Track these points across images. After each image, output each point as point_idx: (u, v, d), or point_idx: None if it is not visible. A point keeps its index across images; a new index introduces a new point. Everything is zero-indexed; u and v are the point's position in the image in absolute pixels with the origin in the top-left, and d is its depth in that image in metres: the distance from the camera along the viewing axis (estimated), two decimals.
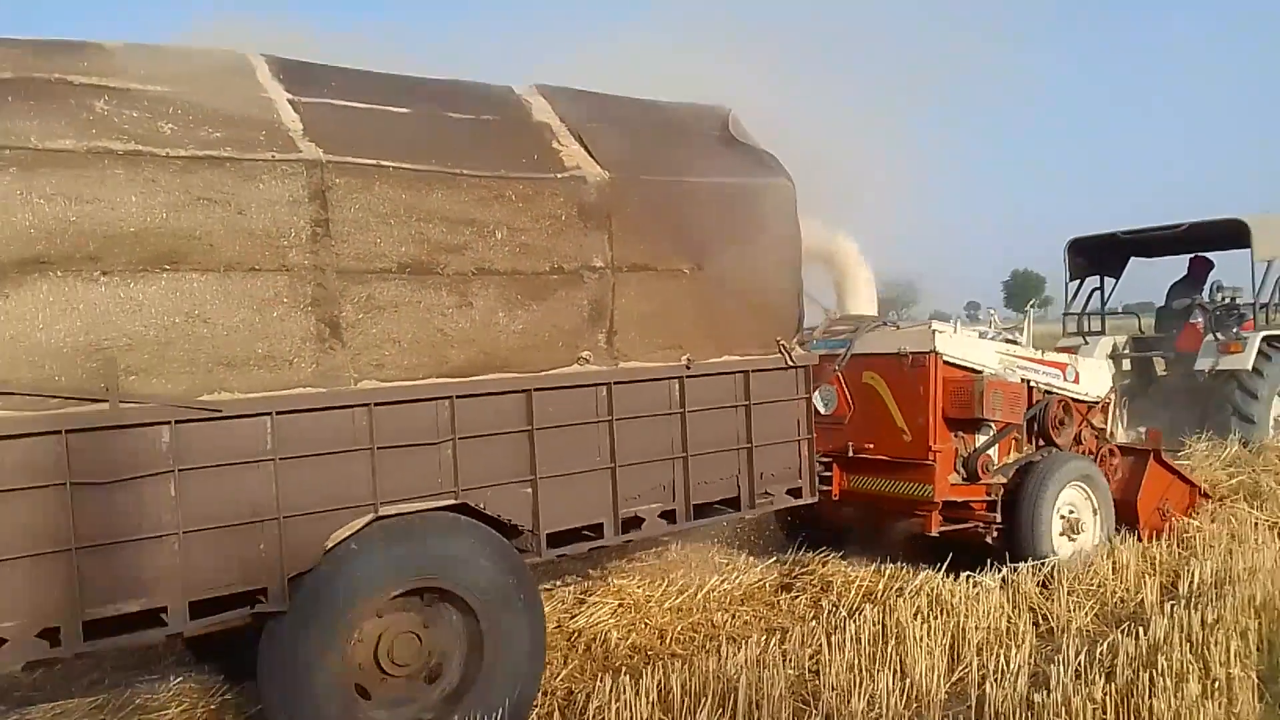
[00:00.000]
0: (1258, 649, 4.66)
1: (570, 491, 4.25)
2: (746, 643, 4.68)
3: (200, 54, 3.84)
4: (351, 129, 3.86)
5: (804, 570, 6.34)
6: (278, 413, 3.50)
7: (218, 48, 3.93)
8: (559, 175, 4.26)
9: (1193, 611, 4.83)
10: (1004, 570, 5.76)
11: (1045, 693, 3.96)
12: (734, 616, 5.65)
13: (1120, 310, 11.17)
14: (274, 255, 3.52)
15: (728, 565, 6.47)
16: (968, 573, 5.77)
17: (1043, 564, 5.88)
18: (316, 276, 3.61)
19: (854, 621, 4.94)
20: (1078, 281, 10.53)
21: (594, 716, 4.04)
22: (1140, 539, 6.38)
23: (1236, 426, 8.48)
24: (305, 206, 3.59)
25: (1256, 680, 4.20)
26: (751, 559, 6.71)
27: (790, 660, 4.55)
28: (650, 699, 4.04)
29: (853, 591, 5.87)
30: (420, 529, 3.85)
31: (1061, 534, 6.26)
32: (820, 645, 4.65)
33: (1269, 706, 4.11)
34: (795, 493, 5.05)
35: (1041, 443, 6.65)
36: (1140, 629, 4.70)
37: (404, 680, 3.92)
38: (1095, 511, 6.46)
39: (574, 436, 4.27)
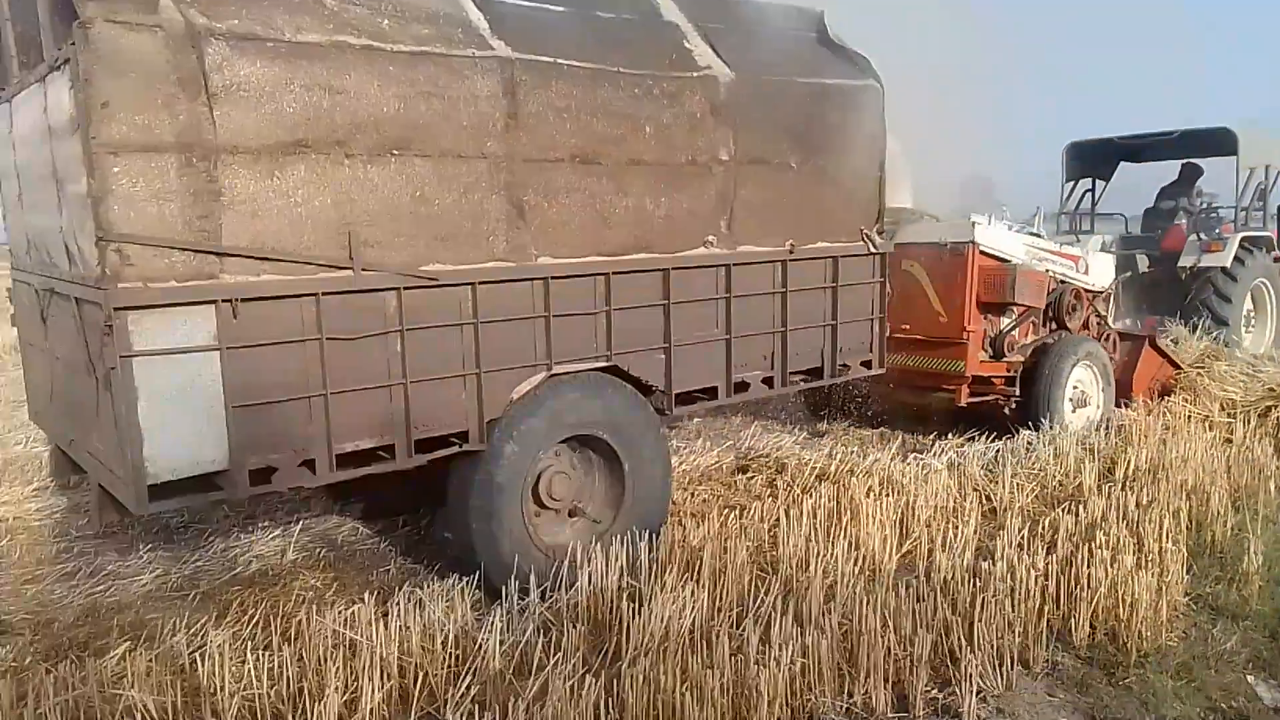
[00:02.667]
0: (1187, 528, 4.99)
1: (694, 358, 4.88)
2: (707, 518, 5.00)
3: None
4: (527, 27, 4.24)
5: (759, 454, 6.67)
6: (479, 283, 4.03)
7: None
8: (695, 74, 4.70)
9: (1128, 493, 5.21)
10: (949, 453, 6.43)
11: (990, 561, 4.31)
12: (693, 495, 5.87)
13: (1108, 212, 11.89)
14: (476, 144, 3.97)
15: (684, 449, 6.83)
16: (915, 455, 6.41)
17: (1053, 431, 6.74)
18: (508, 164, 4.08)
19: (809, 498, 5.20)
20: (1071, 182, 11.24)
21: (565, 578, 4.26)
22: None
23: (1213, 316, 9.43)
24: (500, 100, 4.02)
25: (1186, 554, 4.57)
26: (708, 443, 7.08)
27: (750, 534, 4.80)
28: (619, 564, 4.26)
29: (806, 473, 6.08)
30: (582, 385, 4.47)
31: (1070, 406, 7.14)
32: (779, 519, 4.95)
33: (1195, 577, 4.53)
34: (867, 364, 5.76)
35: (1054, 326, 7.46)
36: (1079, 508, 5.01)
37: (559, 512, 4.62)
38: (1100, 388, 7.34)
39: (699, 311, 4.87)
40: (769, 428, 7.97)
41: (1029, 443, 6.56)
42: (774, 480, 6.22)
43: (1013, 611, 3.94)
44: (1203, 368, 8.16)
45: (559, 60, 4.19)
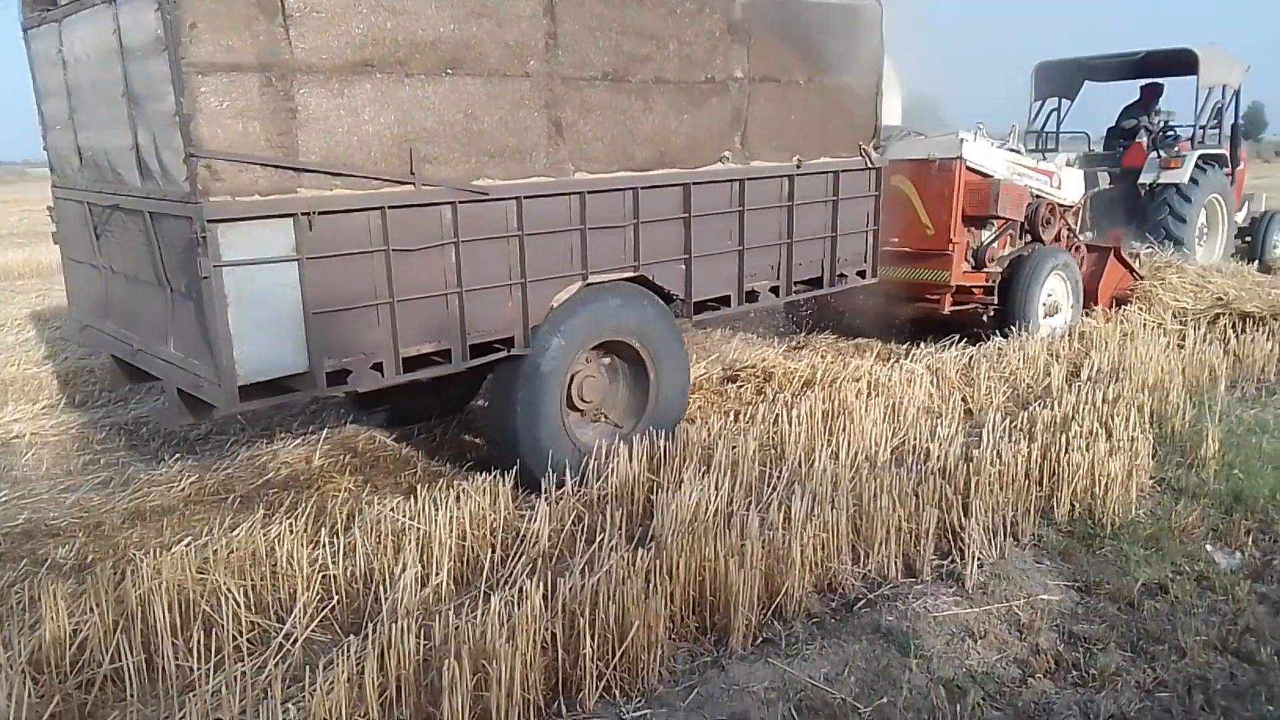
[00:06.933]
0: (1151, 421, 5.42)
1: (710, 269, 5.23)
2: (708, 420, 5.44)
3: None
4: None
5: (745, 365, 7.04)
6: (524, 197, 4.31)
7: None
8: None
9: (1096, 389, 5.64)
10: (926, 359, 6.87)
11: (979, 448, 4.68)
12: (690, 403, 6.02)
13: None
14: (520, 63, 4.20)
15: None
16: (895, 361, 6.87)
17: (1030, 335, 7.26)
18: (548, 83, 4.32)
19: (804, 401, 5.52)
20: (1039, 101, 11.62)
21: (593, 473, 4.62)
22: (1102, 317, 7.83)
23: (1168, 234, 9.98)
24: (541, 20, 4.23)
25: (1152, 442, 5.00)
26: (694, 356, 7.33)
27: (753, 432, 5.09)
28: (640, 460, 4.65)
29: (794, 380, 6.56)
30: (615, 294, 4.81)
31: (1043, 313, 7.65)
32: (777, 419, 5.31)
33: (1159, 463, 5.00)
34: (862, 274, 6.17)
35: (1029, 239, 7.92)
36: (1054, 403, 5.44)
37: (586, 413, 5.01)
38: (1069, 296, 7.87)
39: (715, 224, 5.20)
40: (750, 341, 8.37)
41: (999, 349, 7.08)
42: (762, 388, 6.64)
43: (1001, 492, 4.45)
44: (1159, 279, 8.73)
45: None
